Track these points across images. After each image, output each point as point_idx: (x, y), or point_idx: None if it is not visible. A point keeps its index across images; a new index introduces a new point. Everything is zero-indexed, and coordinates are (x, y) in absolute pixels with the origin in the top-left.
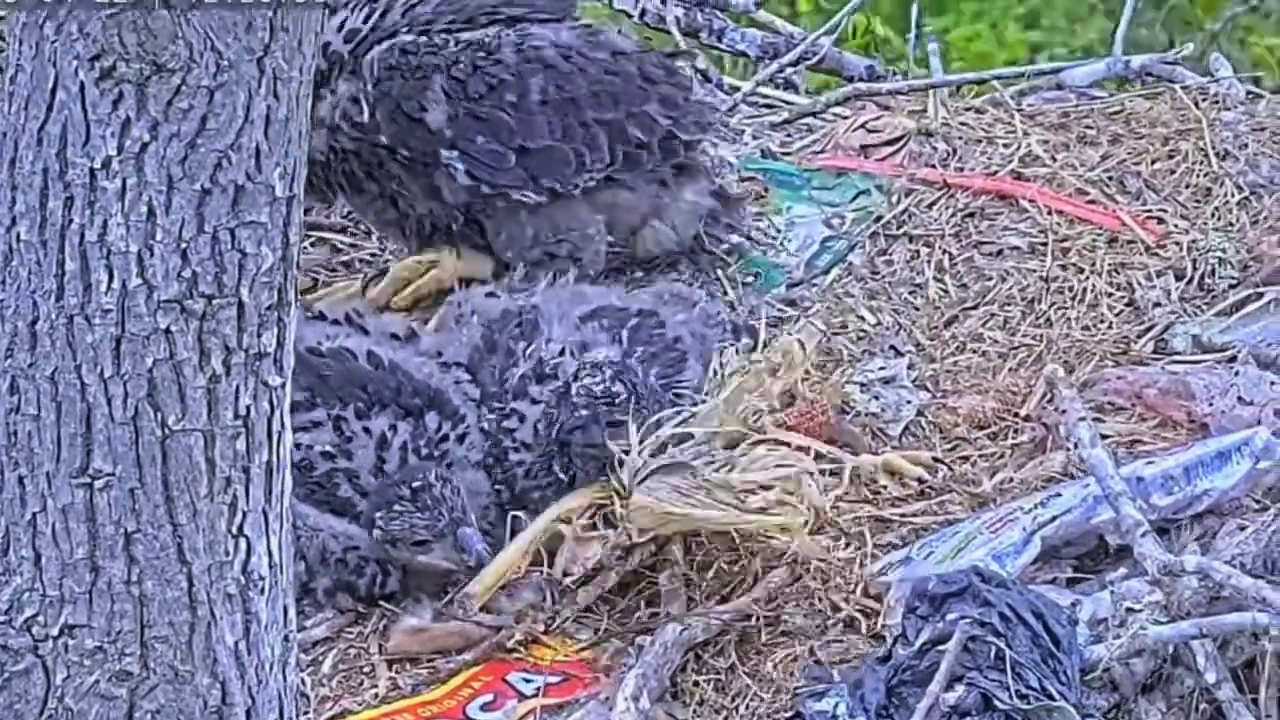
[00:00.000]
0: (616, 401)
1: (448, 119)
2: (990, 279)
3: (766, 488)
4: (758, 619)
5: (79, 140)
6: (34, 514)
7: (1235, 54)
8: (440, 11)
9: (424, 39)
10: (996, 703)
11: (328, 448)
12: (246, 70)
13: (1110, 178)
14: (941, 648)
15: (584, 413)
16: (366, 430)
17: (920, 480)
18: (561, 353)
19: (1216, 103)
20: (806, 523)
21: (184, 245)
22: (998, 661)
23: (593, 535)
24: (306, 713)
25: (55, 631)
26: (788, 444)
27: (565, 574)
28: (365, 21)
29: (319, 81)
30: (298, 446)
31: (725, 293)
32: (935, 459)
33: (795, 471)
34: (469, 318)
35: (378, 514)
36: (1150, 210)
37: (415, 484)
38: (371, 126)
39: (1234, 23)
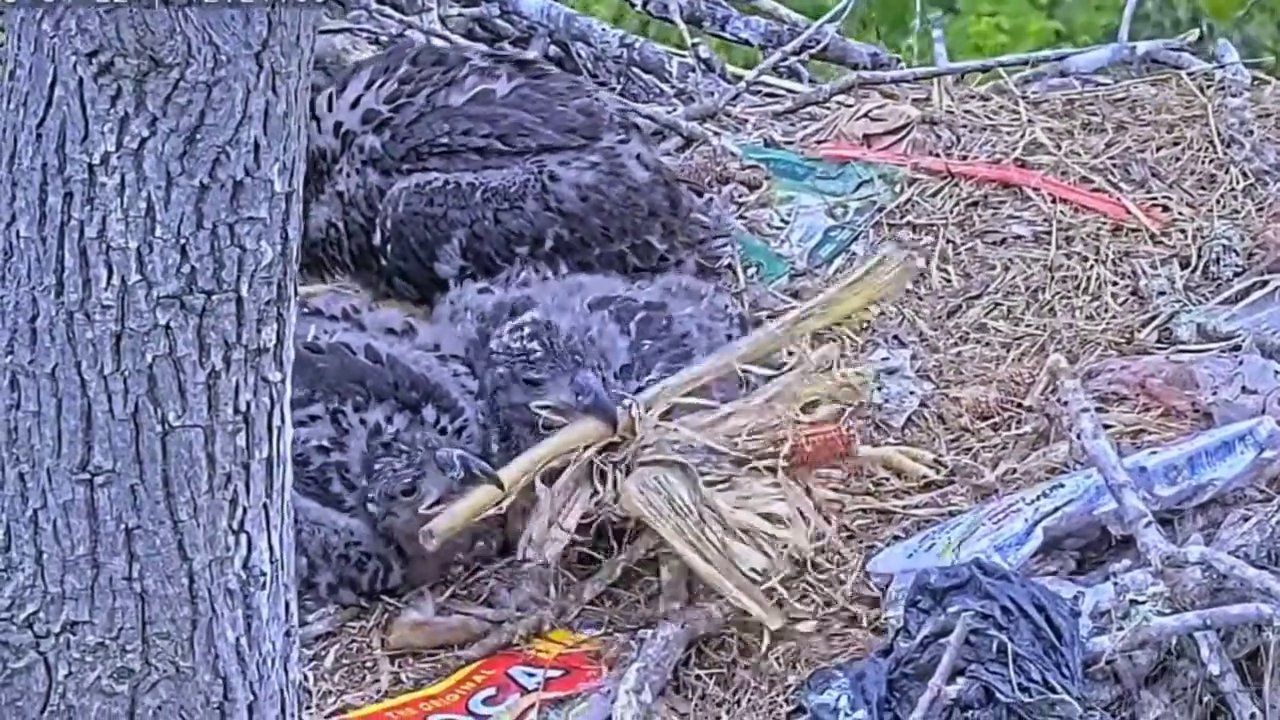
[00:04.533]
0: (532, 359)
1: (459, 270)
2: (994, 268)
3: (755, 529)
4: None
5: (78, 136)
6: (35, 510)
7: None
8: (472, 117)
9: (451, 185)
10: (998, 695)
11: (324, 442)
12: (244, 65)
13: (1115, 165)
14: (943, 641)
15: (501, 370)
16: (363, 423)
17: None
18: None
19: (1222, 89)
20: (777, 604)
21: (183, 241)
22: (1000, 654)
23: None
24: (309, 708)
25: (57, 628)
26: (790, 482)
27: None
28: (388, 105)
29: (324, 169)
30: (294, 441)
31: (733, 284)
32: (937, 459)
33: (786, 538)
34: (462, 314)
35: (365, 486)
36: (1155, 198)
37: (385, 440)
38: (380, 249)
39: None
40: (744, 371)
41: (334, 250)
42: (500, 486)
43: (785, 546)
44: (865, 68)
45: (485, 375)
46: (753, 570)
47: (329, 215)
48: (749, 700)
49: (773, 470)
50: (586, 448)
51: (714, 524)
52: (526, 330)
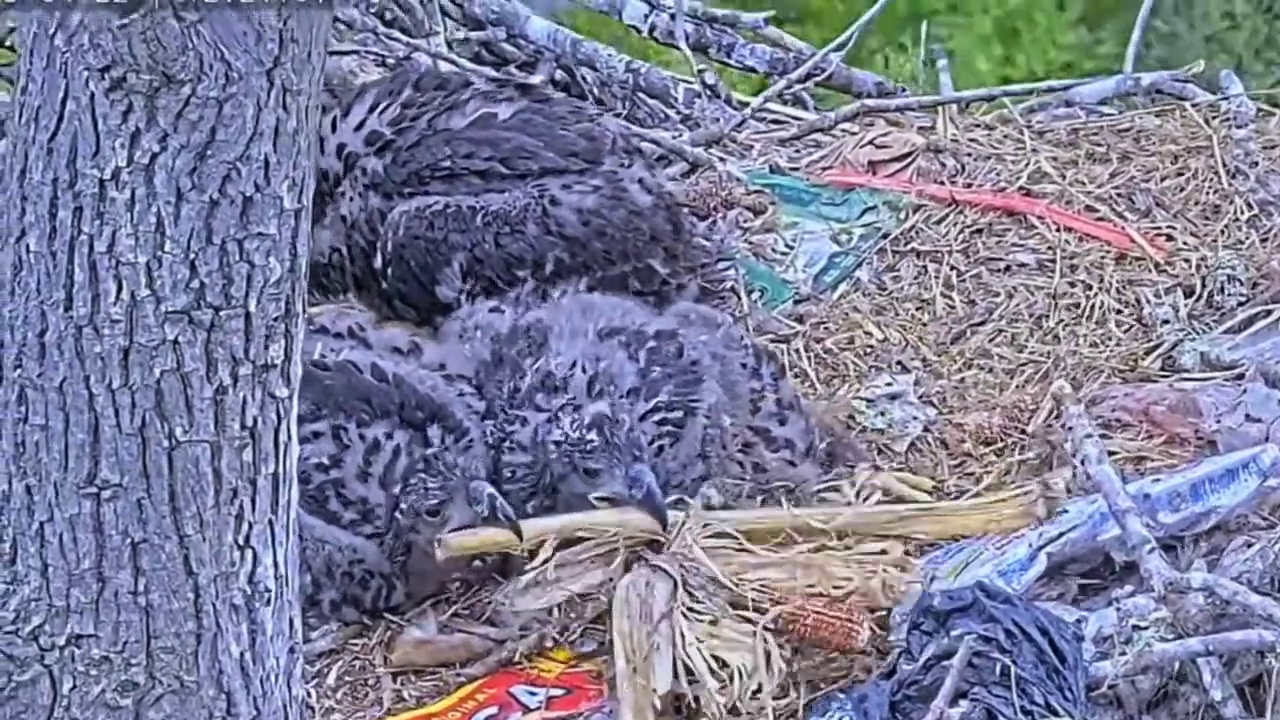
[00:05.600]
0: (590, 448)
1: (459, 294)
2: (998, 295)
3: (695, 668)
4: None
5: (89, 151)
6: (41, 523)
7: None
8: (474, 140)
9: (452, 208)
10: (1001, 718)
11: (324, 459)
12: (256, 82)
13: (1119, 195)
14: (946, 663)
15: (561, 459)
16: (362, 439)
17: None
18: (573, 366)
19: (1227, 120)
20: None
21: (192, 256)
22: (1003, 677)
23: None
24: None
25: (62, 641)
26: (771, 632)
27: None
28: (391, 127)
29: (326, 190)
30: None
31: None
32: (936, 486)
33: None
34: (472, 333)
35: (397, 492)
36: (1159, 227)
37: (428, 453)
38: (381, 272)
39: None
40: None
41: (336, 274)
42: (519, 536)
43: (711, 695)
44: (870, 95)
45: (538, 454)
46: (653, 690)
47: (331, 240)
48: None
49: (750, 622)
50: (628, 536)
51: (663, 641)
52: (587, 420)
